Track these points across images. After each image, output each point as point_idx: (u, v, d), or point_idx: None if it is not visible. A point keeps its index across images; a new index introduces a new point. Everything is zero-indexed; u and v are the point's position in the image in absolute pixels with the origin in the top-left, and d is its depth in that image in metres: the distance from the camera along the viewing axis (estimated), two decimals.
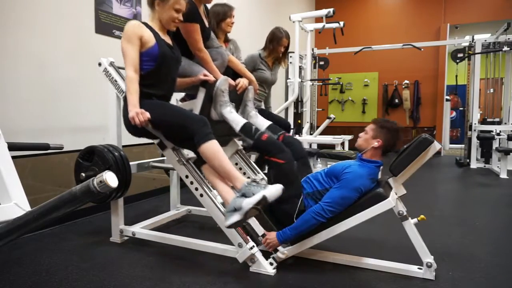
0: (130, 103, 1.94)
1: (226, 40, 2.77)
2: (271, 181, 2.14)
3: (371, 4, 8.59)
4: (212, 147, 1.93)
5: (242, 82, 2.49)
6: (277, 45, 3.01)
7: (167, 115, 2.01)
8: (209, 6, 2.59)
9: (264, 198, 1.78)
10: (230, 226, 1.88)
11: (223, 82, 2.27)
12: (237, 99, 2.51)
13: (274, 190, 1.82)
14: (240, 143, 2.76)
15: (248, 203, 1.79)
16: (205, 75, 2.26)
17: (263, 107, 3.18)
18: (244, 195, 1.85)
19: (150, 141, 2.26)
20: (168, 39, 2.15)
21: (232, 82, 2.39)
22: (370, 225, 2.23)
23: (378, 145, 2.09)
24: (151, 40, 2.02)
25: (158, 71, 2.07)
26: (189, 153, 2.23)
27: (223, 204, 2.11)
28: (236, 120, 2.28)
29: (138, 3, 3.63)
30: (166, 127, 2.06)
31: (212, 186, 2.07)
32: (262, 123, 2.45)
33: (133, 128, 2.04)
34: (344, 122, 8.25)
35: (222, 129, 2.38)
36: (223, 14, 2.59)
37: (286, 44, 3.04)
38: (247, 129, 2.24)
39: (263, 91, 3.07)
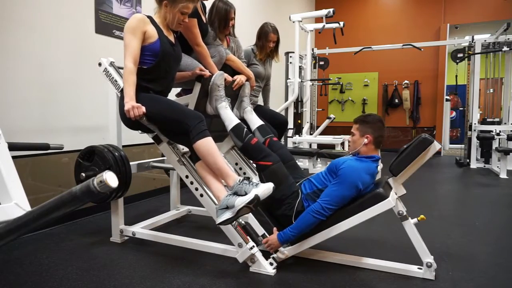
0: (127, 95, 1.94)
1: (227, 35, 2.75)
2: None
3: (371, 4, 8.59)
4: (207, 144, 1.95)
5: (239, 78, 2.51)
6: (265, 41, 3.02)
7: (163, 110, 2.02)
8: (206, 3, 2.59)
9: (256, 197, 1.79)
10: (221, 223, 1.89)
11: (218, 77, 2.28)
12: (233, 94, 2.52)
13: (265, 188, 1.83)
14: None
15: (240, 201, 1.81)
16: (201, 70, 2.27)
17: (260, 103, 3.19)
18: (236, 193, 1.87)
19: (150, 141, 2.26)
20: (171, 36, 2.16)
21: (228, 77, 2.40)
22: (370, 225, 2.24)
23: (368, 140, 2.10)
24: (153, 36, 2.04)
25: (158, 67, 2.08)
26: (184, 148, 2.24)
27: None
28: (230, 118, 2.29)
29: (138, 3, 3.63)
30: (162, 121, 2.06)
31: (204, 182, 2.08)
32: (255, 121, 2.48)
33: (128, 121, 2.05)
34: (344, 122, 8.25)
35: (218, 124, 2.39)
36: (224, 19, 2.57)
37: (275, 39, 3.04)
38: (238, 130, 2.26)
39: (257, 86, 3.08)
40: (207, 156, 1.95)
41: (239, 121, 2.31)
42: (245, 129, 2.28)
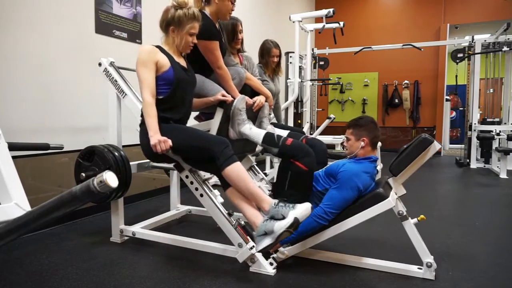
0: (151, 128, 1.89)
1: (239, 51, 2.75)
2: (278, 179, 2.15)
3: (371, 4, 8.59)
4: (236, 170, 1.90)
5: (258, 100, 2.46)
6: (268, 57, 3.07)
7: (187, 139, 1.97)
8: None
9: (296, 220, 1.75)
10: (261, 250, 1.85)
11: (240, 101, 2.23)
12: (252, 116, 2.48)
13: (303, 209, 1.78)
14: (253, 159, 2.77)
15: (279, 226, 1.76)
16: (223, 95, 2.20)
17: (274, 120, 3.19)
18: (273, 217, 1.82)
19: None
20: (182, 62, 2.13)
21: (249, 100, 2.36)
22: (370, 225, 2.24)
23: (365, 143, 2.12)
24: (166, 64, 2.00)
25: (174, 95, 2.04)
26: (205, 174, 2.22)
27: (222, 204, 2.12)
28: (257, 132, 2.24)
29: (138, 3, 3.63)
30: (187, 151, 2.00)
31: (238, 209, 2.01)
32: (282, 133, 2.42)
33: (153, 154, 1.99)
34: (344, 122, 8.16)
35: (237, 147, 2.36)
36: (232, 32, 2.57)
37: (278, 53, 3.10)
38: (270, 138, 2.21)
39: None
40: (238, 182, 1.90)
41: (266, 130, 2.28)
42: (276, 134, 2.24)
